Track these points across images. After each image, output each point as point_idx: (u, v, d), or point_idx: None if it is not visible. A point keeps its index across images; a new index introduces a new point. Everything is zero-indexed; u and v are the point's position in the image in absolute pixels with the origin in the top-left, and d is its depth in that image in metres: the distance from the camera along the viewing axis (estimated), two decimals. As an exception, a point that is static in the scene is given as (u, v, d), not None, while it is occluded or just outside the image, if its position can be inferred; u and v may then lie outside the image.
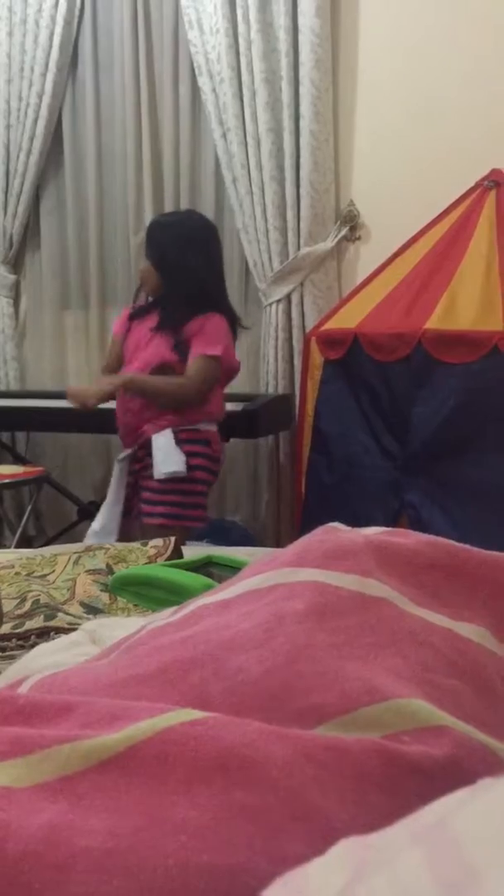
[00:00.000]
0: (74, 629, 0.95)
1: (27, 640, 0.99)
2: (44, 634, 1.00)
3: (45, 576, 1.26)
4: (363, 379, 2.43)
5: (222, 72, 2.84)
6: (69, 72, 3.19)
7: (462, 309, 2.27)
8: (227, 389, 3.07)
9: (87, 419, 2.84)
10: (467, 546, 0.64)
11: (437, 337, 2.23)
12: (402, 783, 0.42)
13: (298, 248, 2.85)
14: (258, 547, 2.22)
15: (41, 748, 0.42)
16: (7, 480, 2.70)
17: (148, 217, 3.00)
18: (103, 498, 3.20)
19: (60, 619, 1.04)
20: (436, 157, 2.71)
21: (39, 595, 1.13)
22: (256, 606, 0.56)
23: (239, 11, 2.79)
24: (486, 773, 0.36)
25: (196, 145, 3.09)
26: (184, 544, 1.47)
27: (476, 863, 0.26)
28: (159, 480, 2.18)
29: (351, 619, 0.54)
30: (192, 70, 2.97)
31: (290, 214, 2.84)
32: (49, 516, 3.42)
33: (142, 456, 2.25)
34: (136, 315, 2.32)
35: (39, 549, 1.59)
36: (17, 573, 1.27)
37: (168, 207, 3.10)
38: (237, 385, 3.11)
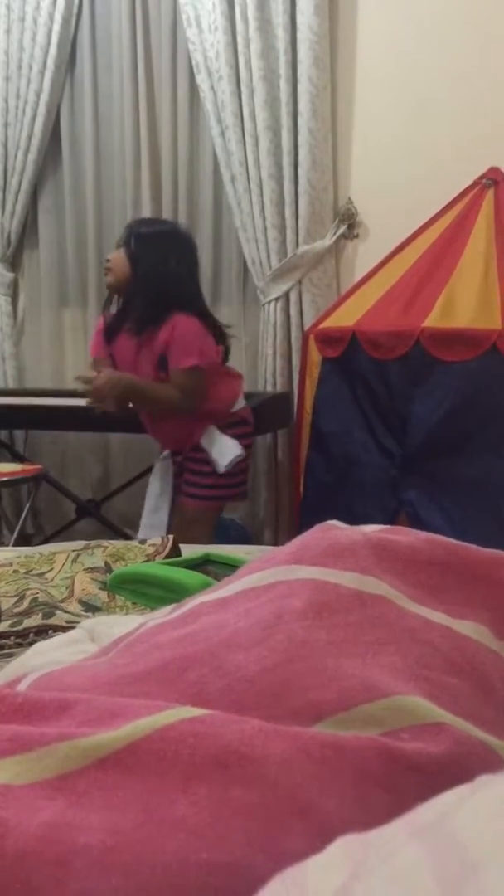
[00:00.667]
0: (73, 627, 0.95)
1: (25, 638, 0.99)
2: (42, 632, 1.00)
3: (43, 574, 1.26)
4: (361, 377, 2.43)
5: (221, 70, 2.84)
6: (67, 70, 3.18)
7: (460, 307, 2.27)
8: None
9: (85, 417, 2.84)
10: (466, 544, 0.64)
11: (436, 335, 2.23)
12: (400, 780, 0.42)
13: (297, 245, 2.85)
14: (256, 545, 2.23)
15: (40, 746, 0.42)
16: (5, 478, 2.70)
17: (146, 214, 3.01)
18: (102, 496, 3.22)
19: (59, 617, 1.04)
20: (434, 155, 2.71)
21: (38, 593, 1.13)
22: (255, 604, 0.56)
23: (237, 9, 2.79)
24: (485, 770, 0.36)
25: (194, 143, 3.08)
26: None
27: (476, 859, 0.26)
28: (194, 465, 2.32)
29: (350, 617, 0.54)
30: (191, 68, 2.97)
31: (288, 212, 2.84)
32: (47, 514, 3.42)
33: (187, 452, 2.36)
34: (111, 330, 2.31)
35: (38, 547, 1.59)
36: (15, 571, 1.27)
37: (166, 205, 3.10)
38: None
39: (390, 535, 0.65)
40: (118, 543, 1.41)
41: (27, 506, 3.01)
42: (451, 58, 2.69)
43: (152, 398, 2.25)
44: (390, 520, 2.30)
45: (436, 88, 2.71)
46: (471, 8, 2.67)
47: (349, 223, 2.87)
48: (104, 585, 1.19)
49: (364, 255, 2.86)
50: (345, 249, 2.93)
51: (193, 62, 2.93)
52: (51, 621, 1.02)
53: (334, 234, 2.87)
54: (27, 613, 1.06)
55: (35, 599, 1.10)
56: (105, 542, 1.41)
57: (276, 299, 2.91)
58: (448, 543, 0.64)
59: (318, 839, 0.35)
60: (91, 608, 1.12)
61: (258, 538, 2.99)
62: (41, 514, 3.43)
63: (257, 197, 2.87)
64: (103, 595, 1.16)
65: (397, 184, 2.78)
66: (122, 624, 0.84)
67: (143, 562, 1.29)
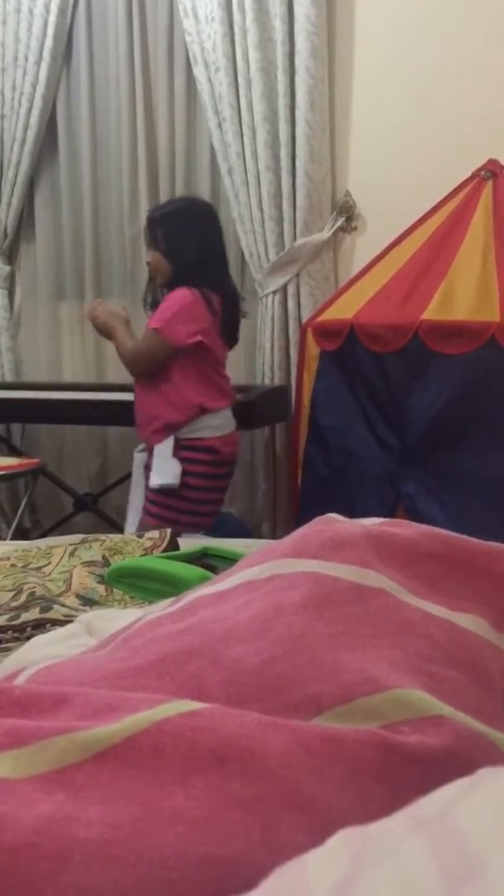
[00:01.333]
0: (70, 621, 0.95)
1: (23, 632, 0.99)
2: (40, 626, 1.00)
3: (41, 568, 1.26)
4: (359, 370, 2.43)
5: (218, 61, 2.82)
6: (63, 61, 3.16)
7: (459, 300, 2.27)
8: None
9: (83, 411, 2.84)
10: (465, 537, 0.64)
11: (434, 328, 2.22)
12: (400, 773, 0.42)
13: (294, 238, 2.84)
14: (255, 539, 2.23)
15: (38, 739, 0.41)
16: (3, 472, 2.69)
17: (143, 207, 2.99)
18: (99, 490, 3.22)
19: (56, 611, 1.03)
20: (432, 147, 2.70)
21: (35, 587, 1.13)
22: (254, 597, 0.56)
23: (234, 0, 2.77)
24: (485, 763, 0.36)
25: (191, 135, 3.07)
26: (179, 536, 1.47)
27: (479, 852, 0.26)
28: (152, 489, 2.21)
29: (349, 610, 0.54)
30: (188, 59, 2.95)
31: (285, 205, 2.83)
32: (45, 508, 3.41)
33: (150, 458, 2.29)
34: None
35: (35, 541, 1.59)
36: (12, 565, 1.27)
37: (163, 198, 3.08)
38: (233, 376, 3.11)
39: (390, 528, 0.64)
40: (116, 537, 1.40)
41: (24, 500, 3.01)
42: (450, 49, 2.68)
43: (115, 339, 2.24)
44: (389, 513, 2.30)
45: (434, 80, 2.70)
46: (467, 0, 2.66)
47: (347, 215, 2.87)
48: (102, 579, 1.19)
49: (362, 248, 2.85)
50: (343, 242, 2.92)
51: (190, 53, 2.92)
52: (48, 615, 1.02)
53: (332, 226, 2.86)
54: (25, 607, 1.06)
55: (33, 593, 1.10)
56: (103, 536, 1.41)
57: (274, 292, 2.90)
58: (447, 536, 0.64)
59: (318, 832, 0.35)
60: (89, 602, 1.11)
61: (256, 532, 2.99)
62: (39, 508, 3.42)
63: (255, 189, 2.86)
64: (101, 589, 1.16)
65: (395, 176, 2.77)
66: (119, 618, 0.84)
67: (141, 555, 1.29)
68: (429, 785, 0.34)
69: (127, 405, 2.37)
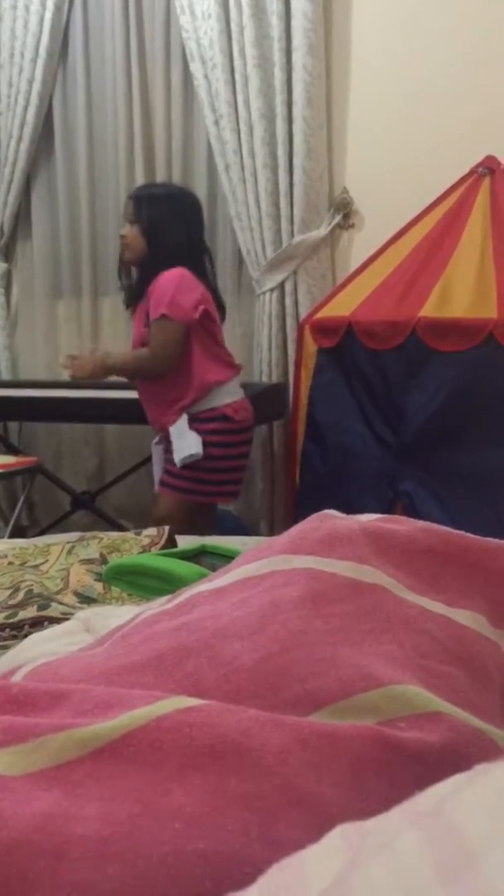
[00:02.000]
0: (68, 619, 0.95)
1: (21, 630, 0.99)
2: (37, 624, 1.00)
3: (38, 565, 1.26)
4: (357, 367, 2.43)
5: (214, 58, 2.82)
6: (60, 58, 3.16)
7: (456, 297, 2.27)
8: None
9: (80, 409, 2.84)
10: (463, 533, 0.64)
11: (432, 325, 2.22)
12: (397, 769, 0.42)
13: (292, 235, 2.84)
14: (252, 536, 2.23)
15: (35, 736, 0.41)
16: (0, 471, 2.69)
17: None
18: (97, 488, 3.21)
19: (54, 609, 1.03)
20: (430, 144, 2.70)
21: (33, 585, 1.13)
22: (251, 594, 0.56)
23: (231, -4, 2.77)
24: (482, 759, 0.36)
25: (188, 132, 3.07)
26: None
27: (475, 847, 0.26)
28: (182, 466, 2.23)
29: (346, 606, 0.54)
30: (184, 56, 2.95)
31: (283, 202, 2.83)
32: (42, 506, 3.41)
33: (168, 444, 2.30)
34: (133, 300, 2.32)
35: (33, 539, 1.59)
36: (10, 563, 1.27)
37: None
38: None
39: (387, 524, 0.64)
40: (113, 535, 1.40)
41: (22, 498, 3.00)
42: (447, 46, 2.67)
43: (126, 370, 2.24)
44: (387, 510, 2.30)
45: (431, 77, 2.70)
46: (466, -5, 2.66)
47: (344, 213, 2.86)
48: (99, 577, 1.19)
49: (359, 245, 2.85)
50: (340, 239, 2.92)
51: (187, 50, 2.91)
52: (46, 613, 1.02)
53: (330, 223, 2.86)
54: (22, 605, 1.05)
55: (30, 591, 1.10)
56: (100, 534, 1.41)
57: (272, 289, 2.90)
58: (445, 533, 0.64)
59: (316, 828, 0.35)
60: (86, 599, 1.11)
61: (254, 529, 2.99)
62: (36, 506, 3.42)
63: (252, 186, 2.85)
64: (98, 586, 1.16)
65: (393, 173, 2.77)
66: (117, 615, 0.84)
67: (139, 553, 1.29)
68: (426, 781, 0.34)
69: (125, 403, 2.37)
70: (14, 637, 0.97)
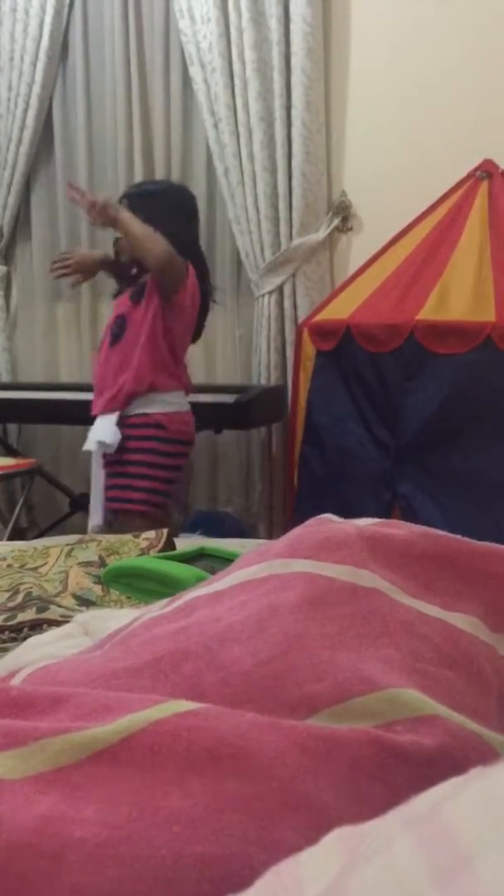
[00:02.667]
0: (67, 621, 0.95)
1: (20, 633, 0.99)
2: (36, 626, 1.00)
3: (37, 568, 1.26)
4: (355, 370, 2.43)
5: (214, 61, 2.82)
6: (59, 61, 3.16)
7: (454, 300, 2.27)
8: (221, 380, 3.08)
9: (79, 411, 2.83)
10: (460, 537, 0.65)
11: (430, 328, 2.23)
12: (394, 772, 0.42)
13: (290, 238, 2.85)
14: (251, 538, 2.23)
15: (35, 740, 0.42)
16: (-1, 473, 2.69)
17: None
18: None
19: (53, 612, 1.03)
20: (428, 148, 2.70)
21: (32, 587, 1.13)
22: (249, 597, 0.56)
23: (230, 0, 2.77)
24: (478, 762, 0.36)
25: (187, 136, 3.07)
26: (175, 534, 1.47)
27: (469, 850, 0.26)
28: (106, 467, 2.18)
29: (344, 610, 0.54)
30: (184, 59, 2.95)
31: (282, 205, 2.83)
32: (41, 508, 3.41)
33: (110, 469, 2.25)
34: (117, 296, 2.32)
35: (32, 541, 1.59)
36: (9, 565, 1.27)
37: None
38: (229, 376, 3.11)
39: (385, 528, 0.65)
40: (112, 537, 1.40)
41: (21, 500, 3.00)
42: (445, 50, 2.68)
43: (137, 234, 2.09)
44: (385, 513, 2.30)
45: (430, 80, 2.70)
46: (463, 0, 2.66)
47: (343, 216, 2.87)
48: (98, 579, 1.19)
49: (358, 248, 2.85)
50: (339, 242, 2.93)
51: (186, 54, 2.92)
52: (45, 615, 1.02)
53: (328, 226, 2.86)
54: (21, 608, 1.06)
55: (29, 594, 1.10)
56: (99, 536, 1.41)
57: (270, 292, 2.90)
58: (442, 537, 0.64)
59: (313, 831, 0.35)
60: (85, 602, 1.11)
61: (252, 532, 2.99)
62: (35, 508, 3.42)
63: (251, 189, 2.86)
64: (97, 589, 1.16)
65: (391, 176, 2.77)
66: (116, 618, 0.84)
67: (138, 556, 1.29)
68: (423, 784, 0.35)
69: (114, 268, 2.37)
70: (13, 639, 0.97)
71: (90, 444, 2.17)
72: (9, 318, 3.39)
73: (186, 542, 1.40)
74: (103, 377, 2.23)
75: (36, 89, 3.12)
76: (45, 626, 0.99)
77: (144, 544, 1.35)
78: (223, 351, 3.11)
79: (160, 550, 1.33)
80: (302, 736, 0.42)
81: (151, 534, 1.40)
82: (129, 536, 1.41)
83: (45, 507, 3.39)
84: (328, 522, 0.65)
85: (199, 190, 3.04)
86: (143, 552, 1.31)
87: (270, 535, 2.86)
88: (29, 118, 3.15)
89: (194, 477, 3.10)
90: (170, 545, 1.36)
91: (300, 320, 2.79)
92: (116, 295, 2.35)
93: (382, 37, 2.77)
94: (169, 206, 2.21)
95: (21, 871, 0.35)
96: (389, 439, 2.38)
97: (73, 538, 1.43)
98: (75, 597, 1.13)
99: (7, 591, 1.13)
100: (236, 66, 2.79)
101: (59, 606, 1.07)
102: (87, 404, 2.29)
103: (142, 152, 3.10)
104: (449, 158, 2.57)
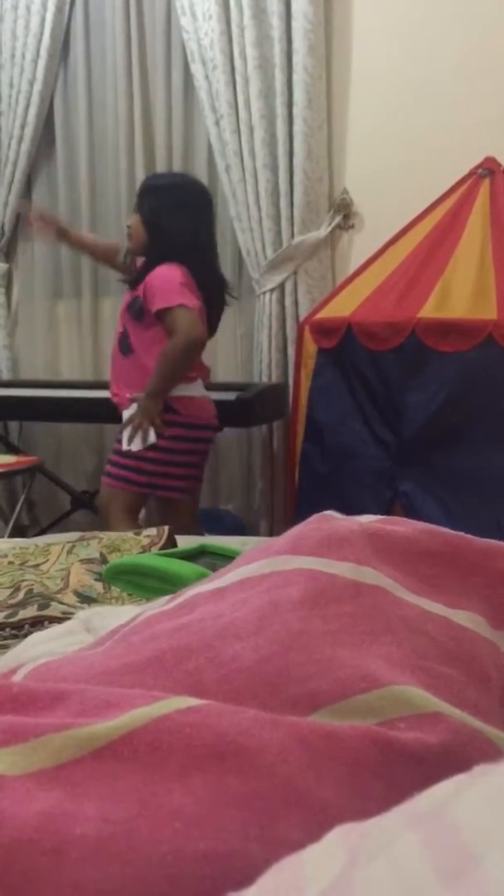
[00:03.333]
0: (68, 618, 0.95)
1: (21, 630, 0.99)
2: (37, 624, 1.00)
3: (38, 565, 1.26)
4: (357, 368, 2.43)
5: (215, 59, 2.82)
6: (61, 58, 3.16)
7: (456, 298, 2.27)
8: (222, 378, 3.08)
9: (80, 409, 2.84)
10: (462, 534, 0.64)
11: (431, 326, 2.22)
12: (397, 770, 0.42)
13: (292, 236, 2.84)
14: (252, 536, 2.23)
15: (35, 736, 0.41)
16: (0, 470, 2.69)
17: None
18: (97, 487, 3.21)
19: (54, 609, 1.03)
20: (429, 146, 2.70)
21: (33, 584, 1.13)
22: (251, 594, 0.56)
23: (232, -3, 2.77)
24: (481, 760, 0.36)
25: (189, 133, 3.07)
26: (178, 520, 1.46)
27: (474, 848, 0.26)
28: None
29: (346, 607, 0.54)
30: (185, 57, 2.95)
31: (283, 203, 2.83)
32: (42, 506, 3.41)
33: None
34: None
35: (33, 538, 1.59)
36: (10, 563, 1.27)
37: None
38: (230, 374, 3.11)
39: (387, 525, 0.65)
40: (113, 535, 1.40)
41: (22, 497, 3.00)
42: (447, 47, 2.67)
43: (167, 377, 2.14)
44: (386, 510, 2.30)
45: (431, 78, 2.70)
46: (466, -3, 2.66)
47: (344, 213, 2.86)
48: (99, 576, 1.19)
49: (359, 246, 2.85)
50: (340, 240, 2.92)
51: (188, 51, 2.91)
52: (46, 612, 1.02)
53: (329, 224, 2.86)
54: (22, 605, 1.06)
55: (30, 591, 1.10)
56: (100, 534, 1.41)
57: (272, 290, 2.90)
58: (445, 534, 0.64)
59: (316, 828, 0.35)
60: (86, 599, 1.11)
61: (253, 530, 3.00)
62: (36, 506, 3.42)
63: (252, 187, 2.85)
64: (98, 586, 1.16)
65: (393, 174, 2.77)
66: (117, 615, 0.84)
67: (139, 553, 1.29)
68: (426, 781, 0.34)
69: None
70: (14, 636, 0.97)
71: (136, 445, 2.17)
72: (10, 315, 3.39)
73: (187, 540, 1.40)
74: (121, 378, 2.27)
75: (37, 86, 3.12)
76: (46, 623, 0.99)
77: (145, 541, 1.35)
78: (224, 349, 3.11)
79: (161, 548, 1.33)
80: (304, 733, 0.42)
81: (153, 531, 1.40)
82: (130, 534, 1.41)
83: (47, 505, 3.39)
84: (330, 519, 0.65)
85: (200, 187, 3.05)
86: (145, 549, 1.31)
87: (271, 533, 2.86)
88: (30, 115, 3.15)
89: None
90: (171, 542, 1.36)
91: (301, 318, 2.79)
92: (123, 281, 2.40)
93: (384, 35, 2.76)
94: (170, 201, 2.21)
95: (22, 867, 0.35)
96: (391, 437, 2.37)
97: (74, 536, 1.43)
98: (76, 594, 1.13)
99: (8, 588, 1.13)
100: (238, 64, 2.79)
101: (61, 603, 1.07)
102: (88, 401, 2.30)
103: (143, 149, 3.10)
104: (450, 156, 2.57)
